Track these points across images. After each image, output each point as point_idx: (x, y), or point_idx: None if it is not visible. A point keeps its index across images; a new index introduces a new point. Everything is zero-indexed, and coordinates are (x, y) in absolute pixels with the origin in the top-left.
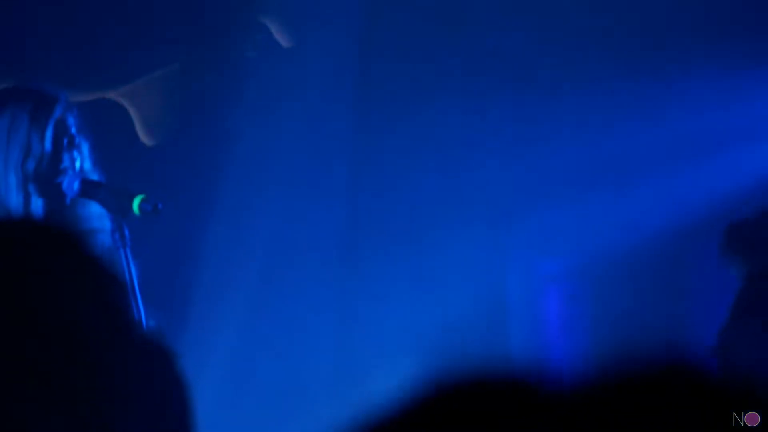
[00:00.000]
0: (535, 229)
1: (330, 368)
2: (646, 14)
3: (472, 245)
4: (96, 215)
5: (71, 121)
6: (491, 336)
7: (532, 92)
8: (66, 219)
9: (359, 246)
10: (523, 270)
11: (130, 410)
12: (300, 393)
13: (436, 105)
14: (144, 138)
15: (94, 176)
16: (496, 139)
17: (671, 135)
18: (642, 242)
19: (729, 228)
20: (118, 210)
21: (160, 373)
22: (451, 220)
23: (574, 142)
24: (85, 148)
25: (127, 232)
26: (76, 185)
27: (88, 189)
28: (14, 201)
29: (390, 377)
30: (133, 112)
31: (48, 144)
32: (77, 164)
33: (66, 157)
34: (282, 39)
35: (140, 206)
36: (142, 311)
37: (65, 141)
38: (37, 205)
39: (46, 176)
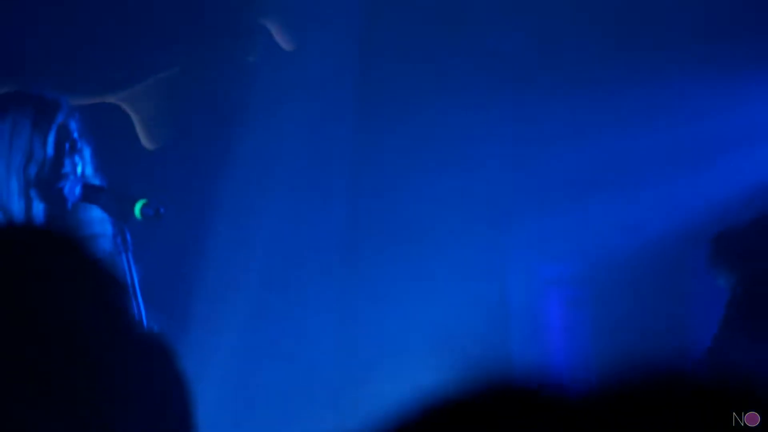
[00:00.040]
0: (536, 232)
1: (331, 369)
2: (646, 17)
3: (473, 248)
4: (98, 220)
5: (73, 126)
6: (492, 339)
7: (533, 95)
8: (68, 224)
9: (360, 248)
10: (524, 273)
11: (131, 411)
12: (301, 394)
13: (437, 106)
14: (145, 142)
15: (96, 181)
16: (497, 141)
17: (673, 139)
18: (643, 246)
19: (716, 238)
20: (120, 214)
21: (160, 374)
22: (452, 222)
23: (575, 145)
24: (87, 152)
25: (128, 237)
26: (77, 190)
27: (90, 194)
28: (16, 206)
29: (391, 379)
30: (134, 116)
31: (50, 149)
32: (79, 169)
33: (68, 162)
34: (282, 41)
35: (142, 210)
36: (143, 314)
37: (67, 146)
38: (39, 209)
39: (47, 181)
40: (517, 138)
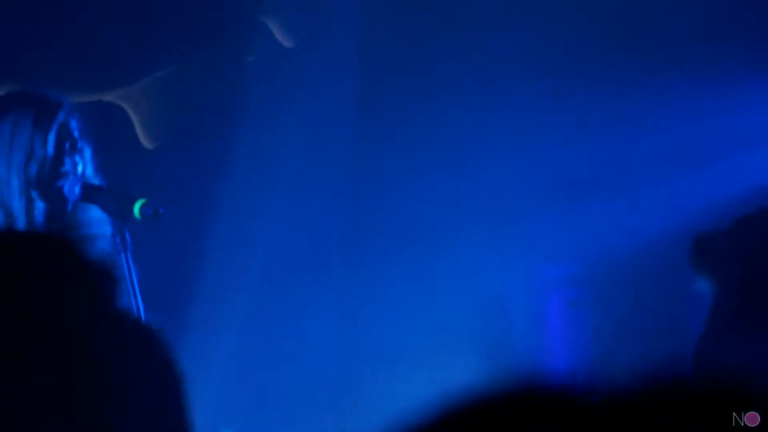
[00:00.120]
0: (537, 233)
1: (331, 370)
2: (646, 17)
3: (473, 248)
4: (97, 220)
5: (74, 126)
6: (492, 340)
7: (534, 96)
8: (67, 223)
9: (360, 248)
10: (524, 274)
11: (129, 411)
12: (301, 395)
13: (437, 107)
14: (144, 141)
15: (96, 181)
16: (497, 142)
17: (672, 139)
18: (643, 247)
19: (696, 241)
20: (119, 214)
21: (158, 374)
22: (452, 222)
23: (575, 145)
24: (88, 152)
25: (128, 237)
26: (77, 190)
27: (90, 193)
28: (17, 205)
29: (391, 379)
30: (133, 116)
31: (50, 148)
32: (79, 169)
33: (68, 162)
34: (282, 40)
35: (141, 210)
36: (143, 315)
37: (67, 145)
38: (39, 209)
39: (47, 180)
40: (517, 138)
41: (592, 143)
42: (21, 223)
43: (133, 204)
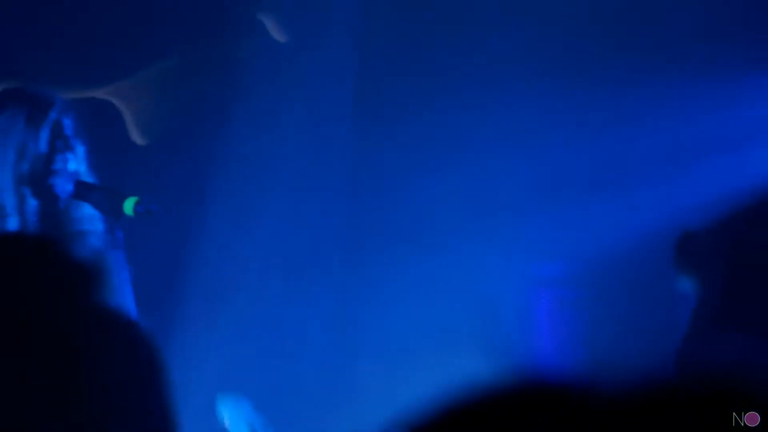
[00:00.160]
0: (535, 232)
1: (328, 369)
2: (646, 19)
3: (471, 249)
4: (89, 217)
5: (67, 124)
6: (487, 339)
7: (530, 96)
8: (59, 220)
9: (357, 247)
10: (523, 274)
11: (115, 409)
12: (299, 395)
13: (435, 106)
14: (136, 137)
15: (89, 178)
16: (495, 143)
17: (666, 139)
18: (639, 246)
19: (679, 240)
20: (112, 212)
21: (146, 373)
22: (450, 222)
23: (572, 146)
24: (81, 150)
25: (120, 234)
26: (69, 187)
27: (82, 191)
28: (9, 202)
29: (389, 378)
30: (126, 113)
31: (43, 146)
32: (71, 166)
33: (60, 160)
34: (279, 37)
35: (134, 208)
36: (135, 313)
37: (60, 143)
38: (31, 206)
39: (40, 178)
40: (510, 138)
41: (587, 143)
42: (13, 220)
43: (125, 202)
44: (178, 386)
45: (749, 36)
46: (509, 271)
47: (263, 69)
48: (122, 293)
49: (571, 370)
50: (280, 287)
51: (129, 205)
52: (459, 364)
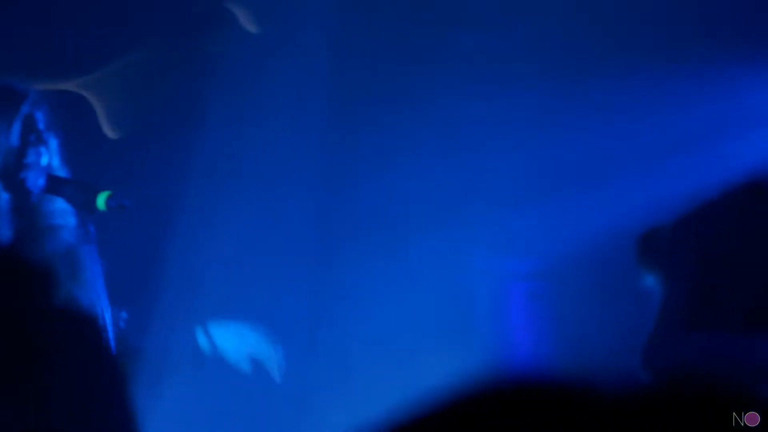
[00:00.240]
0: (506, 227)
1: (301, 368)
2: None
3: (443, 244)
4: (61, 211)
5: (39, 117)
6: (459, 335)
7: (503, 90)
8: (31, 215)
9: (331, 243)
10: (496, 269)
11: (75, 404)
12: (272, 393)
13: (408, 102)
14: (109, 131)
15: (61, 172)
16: (462, 138)
17: (640, 135)
18: (612, 241)
19: (642, 237)
20: (84, 206)
21: (108, 370)
22: (419, 218)
23: (545, 142)
24: (53, 144)
25: (92, 229)
26: (41, 181)
27: (54, 185)
28: None
29: (362, 376)
30: (97, 106)
31: (14, 139)
32: (44, 160)
33: (32, 153)
34: (252, 29)
35: (106, 202)
36: (107, 308)
37: (32, 137)
38: (3, 200)
39: (11, 172)
40: (484, 135)
41: (562, 140)
42: None
43: (98, 196)
44: (152, 381)
45: (749, 36)
46: (483, 266)
47: (236, 62)
48: (94, 288)
49: (548, 367)
50: (250, 282)
51: (102, 200)
52: (433, 360)
